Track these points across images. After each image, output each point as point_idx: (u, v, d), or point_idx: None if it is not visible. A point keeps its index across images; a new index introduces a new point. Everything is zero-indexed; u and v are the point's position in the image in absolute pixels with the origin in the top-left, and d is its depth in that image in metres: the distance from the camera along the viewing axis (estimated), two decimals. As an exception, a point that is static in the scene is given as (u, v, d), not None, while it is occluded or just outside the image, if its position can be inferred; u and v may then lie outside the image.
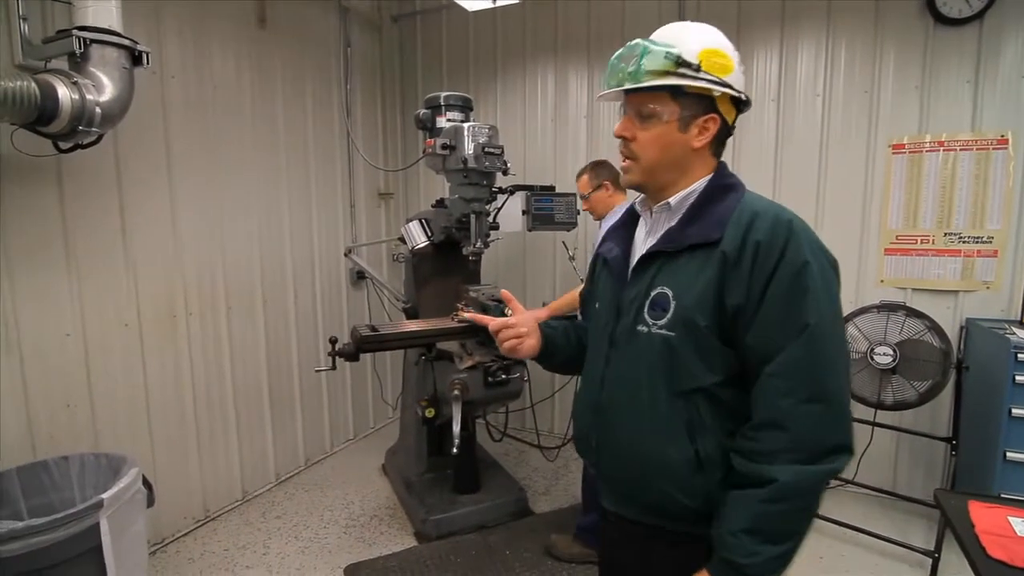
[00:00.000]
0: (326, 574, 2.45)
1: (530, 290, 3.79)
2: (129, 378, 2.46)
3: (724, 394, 1.01)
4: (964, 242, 2.78)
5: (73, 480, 2.00)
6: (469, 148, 2.50)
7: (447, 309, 2.73)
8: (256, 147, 3.05)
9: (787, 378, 0.93)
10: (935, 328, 2.50)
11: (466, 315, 1.25)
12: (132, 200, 2.44)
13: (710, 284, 0.99)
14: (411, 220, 2.85)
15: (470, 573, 2.41)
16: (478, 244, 2.63)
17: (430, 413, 2.49)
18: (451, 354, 2.56)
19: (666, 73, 1.02)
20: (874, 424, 2.79)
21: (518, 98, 3.83)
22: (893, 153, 2.88)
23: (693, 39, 1.05)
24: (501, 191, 2.87)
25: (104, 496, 1.69)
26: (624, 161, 1.12)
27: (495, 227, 2.84)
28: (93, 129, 1.91)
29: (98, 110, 1.88)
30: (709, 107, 1.05)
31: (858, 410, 2.60)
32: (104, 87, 1.92)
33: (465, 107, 2.79)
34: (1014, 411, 2.30)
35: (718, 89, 1.04)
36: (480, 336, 2.52)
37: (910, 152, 2.84)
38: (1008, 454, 2.31)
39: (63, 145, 1.98)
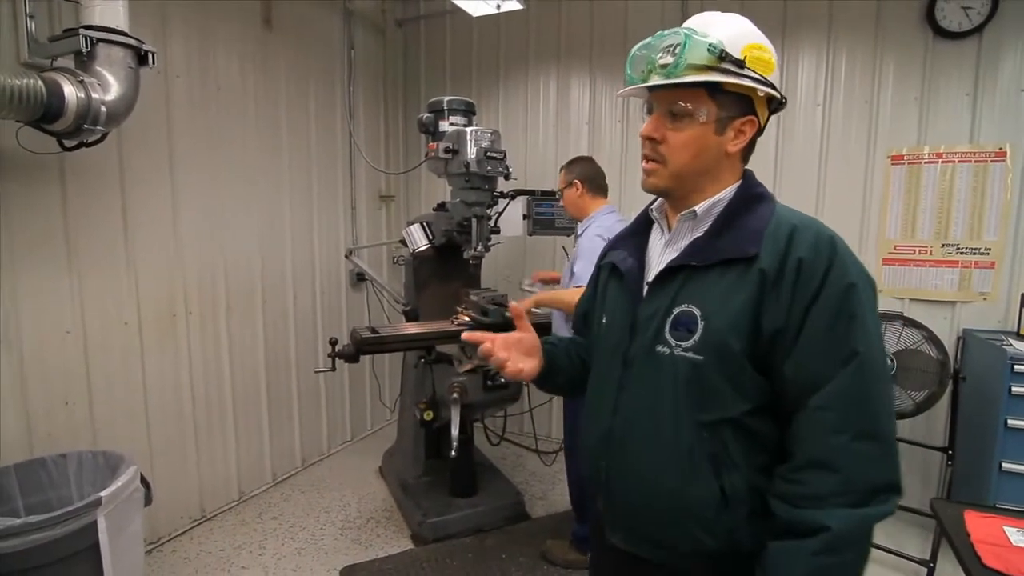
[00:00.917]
0: (322, 575, 2.45)
1: (529, 294, 3.79)
2: (128, 377, 2.46)
3: (754, 424, 0.92)
4: (961, 253, 2.80)
5: (71, 478, 2.00)
6: (471, 152, 2.51)
7: (447, 312, 2.74)
8: (259, 148, 3.06)
9: (836, 411, 0.84)
10: (932, 339, 2.52)
11: (468, 334, 1.14)
12: (134, 199, 2.44)
13: (747, 305, 0.89)
14: (412, 223, 2.86)
15: (466, 576, 2.42)
16: (479, 248, 2.64)
17: (428, 416, 2.50)
18: (451, 357, 2.57)
19: (707, 68, 0.91)
20: (870, 433, 2.80)
21: (520, 103, 3.85)
22: (892, 164, 2.90)
23: (735, 31, 0.95)
24: (502, 195, 2.88)
25: (102, 494, 1.69)
26: (647, 163, 1.01)
27: (496, 231, 2.85)
28: (98, 128, 1.92)
29: (103, 109, 1.89)
30: (747, 108, 0.96)
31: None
32: (110, 86, 1.93)
33: (468, 111, 2.81)
34: (1010, 422, 2.31)
35: (762, 89, 0.94)
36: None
37: (909, 163, 2.86)
38: (1004, 465, 2.32)
39: (67, 143, 1.99)
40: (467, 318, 2.56)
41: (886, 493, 0.85)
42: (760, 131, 1.00)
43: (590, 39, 3.58)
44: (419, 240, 2.79)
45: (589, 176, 2.51)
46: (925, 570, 2.39)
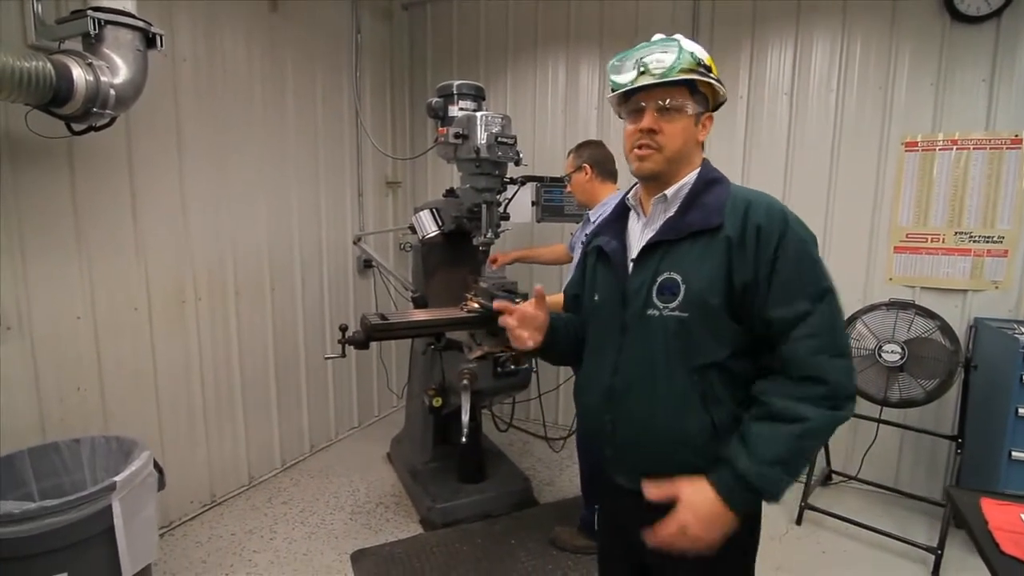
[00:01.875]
0: (332, 559, 2.47)
1: (537, 281, 3.76)
2: (138, 362, 2.47)
3: (735, 366, 1.12)
4: (974, 241, 2.77)
5: (84, 462, 2.01)
6: (482, 138, 2.49)
7: (456, 299, 2.72)
8: (265, 132, 3.04)
9: (819, 337, 1.04)
10: (944, 328, 2.50)
11: (499, 303, 1.28)
12: (142, 184, 2.43)
13: (718, 266, 1.09)
14: (421, 209, 2.84)
15: (475, 561, 2.43)
16: (488, 234, 2.62)
17: (437, 402, 2.50)
18: (460, 344, 2.56)
19: (691, 71, 1.14)
20: (879, 421, 2.80)
21: (529, 88, 3.81)
22: (906, 150, 2.86)
23: (699, 48, 1.18)
24: (512, 181, 2.86)
25: (117, 479, 1.70)
26: (643, 151, 1.18)
27: (505, 217, 2.83)
28: (107, 111, 1.90)
29: (112, 92, 1.88)
30: (708, 106, 1.20)
31: (863, 406, 2.61)
32: (118, 69, 1.91)
33: (478, 96, 2.77)
34: (1021, 410, 2.31)
35: (722, 88, 1.20)
36: (490, 326, 2.52)
37: (923, 150, 2.83)
38: (1014, 453, 2.32)
39: (76, 127, 1.98)
40: (476, 305, 2.54)
41: (851, 400, 1.07)
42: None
43: (600, 23, 3.53)
44: (429, 226, 2.77)
45: (598, 160, 2.48)
46: (932, 557, 2.40)
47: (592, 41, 3.56)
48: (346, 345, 2.32)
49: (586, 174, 2.47)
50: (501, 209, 2.78)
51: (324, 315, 3.56)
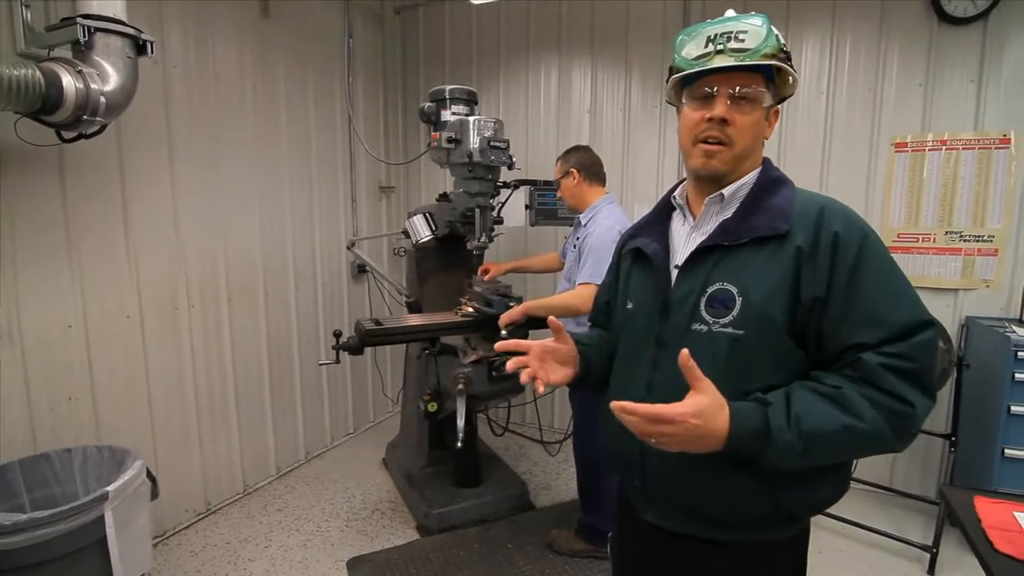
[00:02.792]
0: (329, 567, 2.45)
1: (532, 285, 3.78)
2: (131, 370, 2.45)
3: None
4: (965, 241, 2.80)
5: (76, 473, 1.99)
6: (475, 142, 2.49)
7: (450, 303, 2.73)
8: (258, 138, 3.03)
9: (915, 362, 0.90)
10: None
11: (502, 344, 1.10)
12: (134, 191, 2.42)
13: (784, 279, 0.94)
14: (415, 214, 2.84)
15: (472, 566, 2.42)
16: (482, 238, 2.62)
17: (432, 407, 2.50)
18: (455, 348, 2.56)
19: (774, 56, 0.99)
20: (873, 421, 2.81)
21: (521, 92, 3.82)
22: (896, 151, 2.89)
23: (775, 28, 1.01)
24: (505, 185, 2.86)
25: (109, 488, 1.69)
26: (712, 146, 1.02)
27: (499, 221, 2.83)
28: (97, 119, 1.88)
29: (102, 99, 1.86)
30: (775, 97, 1.05)
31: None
32: (108, 76, 1.90)
33: (470, 101, 2.77)
34: (1013, 408, 2.33)
35: (794, 79, 1.04)
36: (484, 330, 2.52)
37: (913, 150, 2.85)
38: (1006, 451, 2.34)
39: (66, 135, 1.96)
40: (471, 309, 2.55)
41: (909, 441, 0.95)
42: None
43: (591, 27, 3.55)
44: (422, 231, 2.77)
45: (586, 164, 2.50)
46: (928, 556, 2.41)
47: (583, 44, 3.58)
48: (340, 351, 2.32)
49: (574, 179, 2.49)
50: (494, 213, 2.78)
51: (318, 321, 3.55)
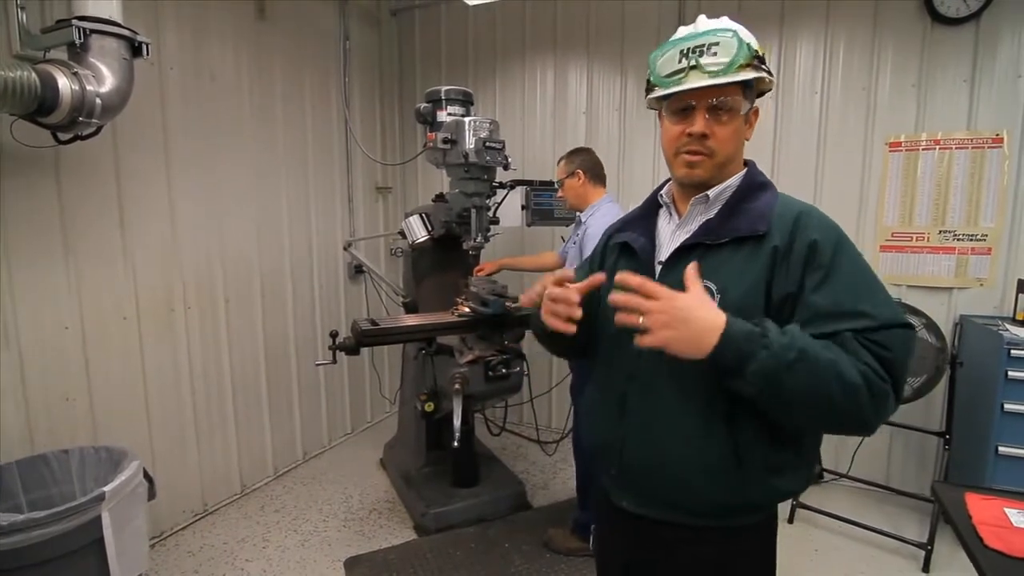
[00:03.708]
0: (326, 567, 2.46)
1: (528, 285, 3.78)
2: (127, 371, 2.45)
3: None
4: (959, 239, 2.81)
5: (73, 473, 2.00)
6: (470, 142, 2.50)
7: (447, 303, 2.73)
8: (254, 139, 3.04)
9: (891, 352, 0.92)
10: (930, 325, 2.53)
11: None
12: (130, 192, 2.42)
13: (760, 277, 0.99)
14: (411, 214, 2.85)
15: (470, 566, 2.43)
16: (478, 239, 2.63)
17: (429, 407, 2.50)
18: (451, 348, 2.57)
19: (748, 66, 1.01)
20: (869, 419, 2.82)
21: (517, 93, 3.83)
22: (890, 151, 2.90)
23: (747, 32, 1.03)
24: (501, 186, 2.87)
25: (106, 489, 1.69)
26: (694, 156, 1.05)
27: (495, 222, 2.84)
28: (93, 120, 1.89)
29: (98, 101, 1.87)
30: (753, 99, 1.07)
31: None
32: (104, 78, 1.90)
33: (466, 101, 2.79)
34: (1006, 406, 2.33)
35: (771, 79, 1.06)
36: (480, 330, 2.53)
37: (906, 150, 2.87)
38: (1000, 448, 2.35)
39: (62, 136, 1.97)
40: (467, 309, 2.55)
41: (881, 417, 0.94)
42: None
43: (587, 28, 3.56)
44: (418, 231, 2.78)
45: (589, 166, 2.56)
46: (923, 553, 2.42)
47: (579, 46, 3.59)
48: (337, 351, 2.32)
49: (579, 179, 2.55)
50: (490, 213, 2.79)
51: (315, 321, 3.55)
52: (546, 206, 3.11)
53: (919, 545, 2.44)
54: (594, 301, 1.23)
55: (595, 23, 3.53)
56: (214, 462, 2.89)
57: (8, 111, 1.75)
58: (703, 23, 1.06)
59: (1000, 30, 2.65)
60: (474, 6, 3.39)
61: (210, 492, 2.87)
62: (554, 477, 3.28)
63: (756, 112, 1.09)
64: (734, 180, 1.10)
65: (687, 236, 1.08)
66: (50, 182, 2.15)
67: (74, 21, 1.83)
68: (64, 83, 1.78)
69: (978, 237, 2.77)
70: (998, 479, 2.34)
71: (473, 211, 2.60)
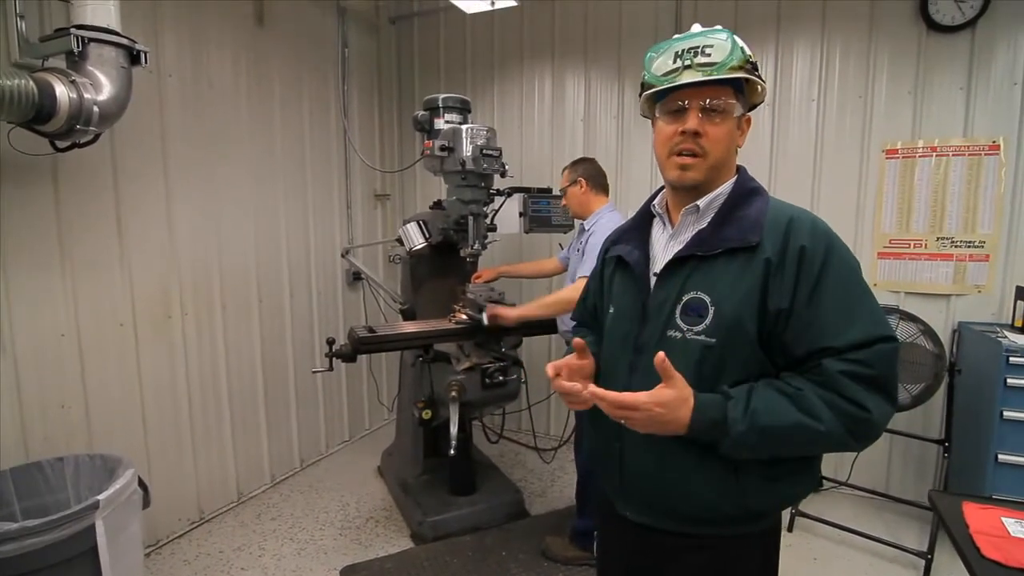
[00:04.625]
0: (322, 576, 2.45)
1: (526, 292, 3.79)
2: (124, 378, 2.44)
3: None
4: (956, 246, 2.81)
5: (68, 481, 1.99)
6: (467, 150, 2.51)
7: (444, 310, 2.74)
8: (252, 147, 3.05)
9: (874, 370, 0.94)
10: (928, 331, 2.53)
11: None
12: (128, 199, 2.42)
13: (753, 289, 0.98)
14: (409, 221, 2.85)
15: (467, 574, 2.41)
16: (476, 246, 2.63)
17: (427, 415, 2.49)
18: (448, 355, 2.57)
19: (740, 68, 1.02)
20: (867, 426, 2.81)
21: (515, 100, 3.84)
22: (886, 158, 2.91)
23: (740, 39, 1.05)
24: (499, 193, 2.88)
25: (100, 497, 1.68)
26: (686, 158, 1.05)
27: (492, 229, 2.84)
28: (91, 128, 1.90)
29: (96, 109, 1.88)
30: (746, 107, 1.08)
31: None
32: (102, 86, 1.91)
33: (463, 109, 2.80)
34: (1006, 414, 2.32)
35: (763, 88, 1.08)
36: (478, 337, 2.53)
37: (903, 157, 2.87)
38: (1000, 456, 2.34)
39: (60, 144, 1.97)
40: (464, 316, 2.55)
41: (868, 442, 0.99)
42: None
43: (584, 36, 3.58)
44: (416, 239, 2.78)
45: (592, 175, 2.57)
46: (923, 562, 2.40)
47: (577, 53, 3.60)
48: (334, 359, 2.32)
49: (581, 187, 2.56)
50: (488, 220, 2.79)
51: (313, 328, 3.55)
52: (544, 213, 3.11)
53: (919, 554, 2.43)
54: (597, 312, 1.29)
55: (592, 31, 3.55)
56: (211, 470, 2.88)
57: (6, 119, 1.75)
58: (697, 28, 1.08)
59: (995, 38, 2.66)
60: (472, 14, 3.40)
61: (206, 500, 2.86)
62: (552, 485, 3.27)
63: (748, 121, 1.11)
64: (725, 187, 1.09)
65: (680, 247, 1.08)
66: (47, 189, 2.15)
67: (72, 30, 1.84)
68: (62, 91, 1.79)
69: (976, 244, 2.77)
70: (998, 487, 2.33)
71: (470, 218, 2.61)
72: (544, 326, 2.59)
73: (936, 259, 2.85)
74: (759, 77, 1.06)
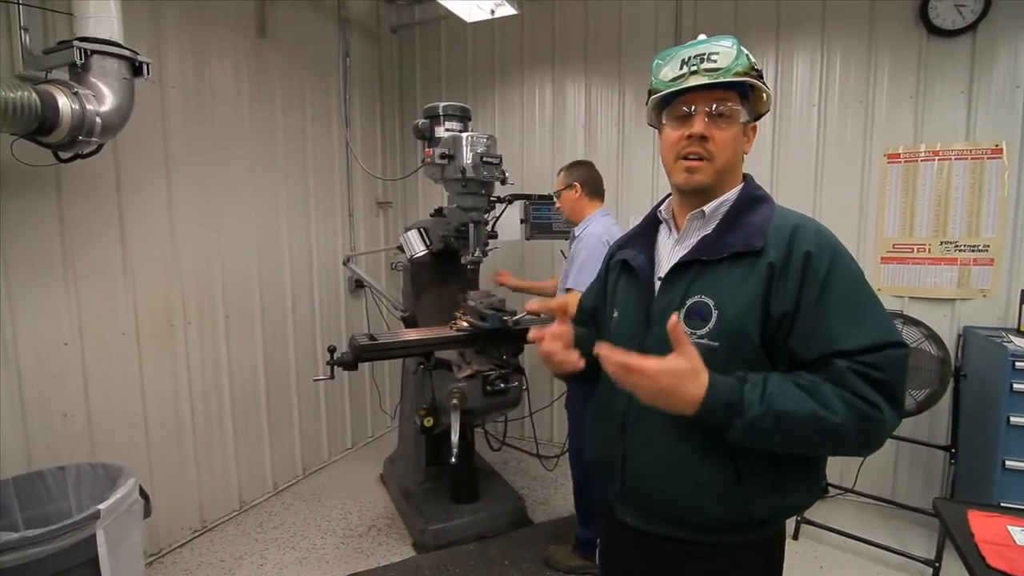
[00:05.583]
0: (324, 585, 2.43)
1: (527, 298, 3.78)
2: (126, 387, 2.45)
3: None
4: (960, 250, 2.79)
5: (69, 490, 1.99)
6: (467, 158, 2.51)
7: (446, 318, 2.73)
8: (255, 156, 3.06)
9: (886, 373, 0.93)
10: (933, 336, 2.51)
11: (535, 333, 1.16)
12: (131, 209, 2.44)
13: (757, 293, 0.99)
14: (410, 229, 2.86)
15: (469, 584, 2.40)
16: (476, 253, 2.63)
17: (428, 422, 2.49)
18: (450, 363, 2.56)
19: (746, 74, 1.04)
20: (873, 432, 2.79)
21: (516, 108, 3.85)
22: (888, 162, 2.90)
23: (745, 49, 1.07)
24: (499, 200, 2.88)
25: (101, 507, 1.68)
26: (693, 161, 1.07)
27: (493, 236, 2.84)
28: (93, 139, 1.91)
29: (98, 120, 1.89)
30: (751, 115, 1.10)
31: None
32: (104, 97, 1.93)
33: (463, 117, 2.80)
34: (1012, 419, 2.30)
35: (768, 96, 1.10)
36: (479, 344, 2.52)
37: (905, 161, 2.86)
38: (1007, 462, 2.31)
39: (63, 155, 1.99)
40: (465, 323, 2.55)
41: (874, 447, 0.99)
42: None
43: (585, 43, 3.59)
44: (416, 246, 2.78)
45: (588, 180, 2.56)
46: (930, 570, 2.38)
47: (577, 61, 3.62)
48: (335, 367, 2.32)
49: (576, 192, 2.55)
50: (488, 228, 2.79)
51: (315, 336, 3.55)
52: (545, 220, 3.12)
53: (926, 562, 2.40)
54: (598, 317, 1.29)
55: (593, 39, 3.56)
56: (213, 478, 2.87)
57: (9, 130, 1.77)
58: (703, 37, 1.09)
59: (996, 42, 2.66)
60: (473, 23, 3.42)
61: (209, 509, 2.86)
62: (555, 492, 3.25)
63: (755, 129, 1.12)
64: (731, 194, 1.10)
65: (685, 252, 1.09)
66: (50, 200, 2.17)
67: (75, 42, 1.85)
68: (64, 103, 1.81)
69: (980, 248, 2.75)
70: (1006, 494, 2.30)
71: (471, 225, 2.60)
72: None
73: (940, 263, 2.83)
74: (765, 86, 1.07)
